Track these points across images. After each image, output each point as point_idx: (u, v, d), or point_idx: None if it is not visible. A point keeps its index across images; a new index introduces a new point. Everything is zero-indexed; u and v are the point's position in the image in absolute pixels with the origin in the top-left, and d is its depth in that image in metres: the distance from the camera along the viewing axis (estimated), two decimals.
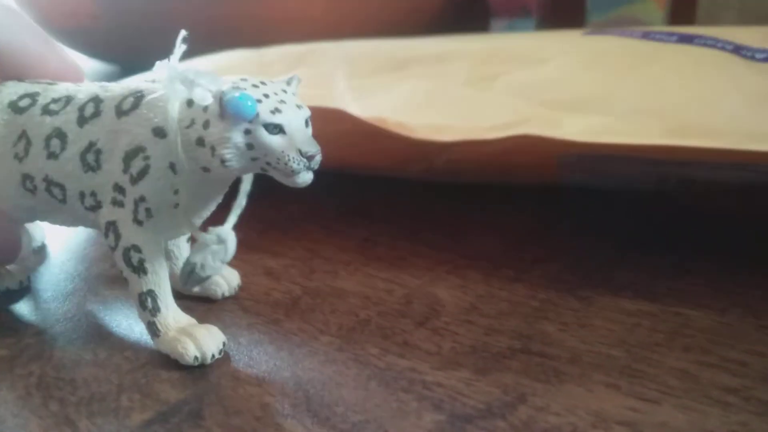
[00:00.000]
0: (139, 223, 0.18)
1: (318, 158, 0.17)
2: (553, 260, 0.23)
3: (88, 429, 0.16)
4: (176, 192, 0.18)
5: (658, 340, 0.19)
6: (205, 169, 0.17)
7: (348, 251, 0.25)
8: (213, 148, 0.17)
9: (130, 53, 0.49)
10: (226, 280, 0.22)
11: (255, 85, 0.17)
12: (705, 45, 0.24)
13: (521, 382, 0.17)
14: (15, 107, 0.20)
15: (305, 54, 0.30)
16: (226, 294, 0.22)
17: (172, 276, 0.21)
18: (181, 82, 0.17)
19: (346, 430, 0.16)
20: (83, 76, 0.22)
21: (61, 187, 0.19)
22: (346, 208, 0.29)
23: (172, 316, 0.19)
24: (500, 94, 0.24)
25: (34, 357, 0.19)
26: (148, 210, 0.18)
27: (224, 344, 0.19)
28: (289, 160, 0.17)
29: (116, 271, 0.24)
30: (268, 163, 0.17)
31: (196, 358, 0.18)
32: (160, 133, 0.18)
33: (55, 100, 0.19)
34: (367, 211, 0.28)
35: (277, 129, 0.17)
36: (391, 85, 0.26)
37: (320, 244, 0.25)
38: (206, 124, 0.17)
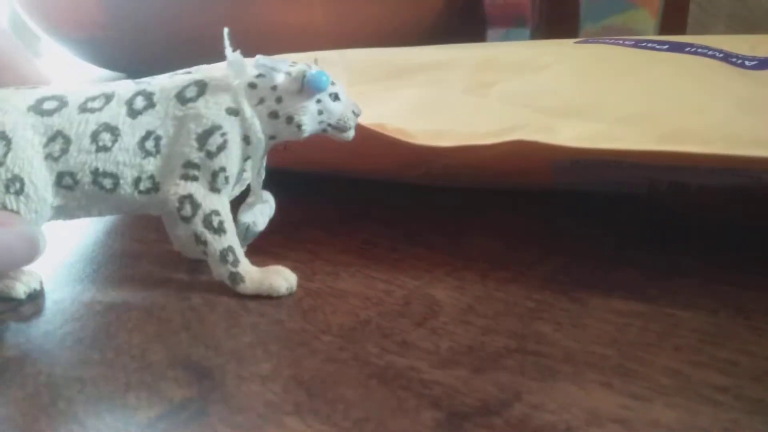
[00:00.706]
0: (217, 191, 0.21)
1: (359, 117, 0.22)
2: (548, 262, 0.24)
3: (95, 427, 0.16)
4: (246, 159, 0.22)
5: (650, 339, 0.19)
6: (272, 138, 0.21)
7: (348, 253, 0.25)
8: (290, 118, 0.21)
9: (138, 62, 0.49)
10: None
11: (308, 64, 0.21)
12: (696, 53, 0.25)
13: (517, 380, 0.18)
14: (39, 110, 0.21)
15: (307, 62, 0.30)
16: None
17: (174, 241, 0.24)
18: (258, 67, 0.21)
19: (346, 427, 0.16)
20: (51, 81, 0.23)
21: (113, 177, 0.21)
22: (347, 212, 0.29)
23: (247, 264, 0.22)
24: (496, 101, 0.25)
25: (43, 356, 0.19)
26: (227, 178, 0.21)
27: (295, 279, 0.22)
28: (347, 119, 0.22)
29: (123, 272, 0.24)
30: (329, 125, 0.22)
31: (288, 288, 0.22)
32: (233, 112, 0.21)
33: (92, 99, 0.21)
34: (367, 214, 0.29)
35: (336, 97, 0.21)
36: (391, 93, 0.27)
37: (321, 247, 0.26)
38: (279, 99, 0.21)
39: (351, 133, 0.22)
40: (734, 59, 0.24)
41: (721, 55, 0.24)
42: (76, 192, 0.21)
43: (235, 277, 0.22)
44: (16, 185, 0.20)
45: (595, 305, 0.21)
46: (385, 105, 0.26)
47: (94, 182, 0.21)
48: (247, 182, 0.23)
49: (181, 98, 0.21)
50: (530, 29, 0.46)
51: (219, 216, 0.21)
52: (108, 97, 0.21)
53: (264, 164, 0.23)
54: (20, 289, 0.22)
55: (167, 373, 0.18)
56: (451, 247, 0.25)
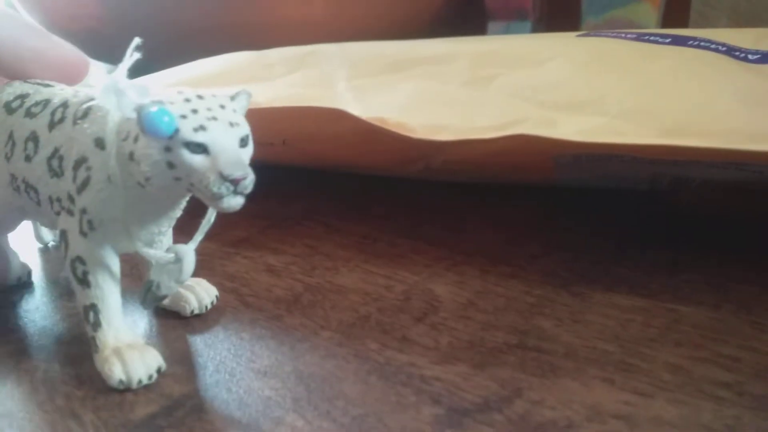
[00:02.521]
0: (83, 234, 0.18)
1: (247, 182, 0.15)
2: (549, 256, 0.24)
3: (93, 423, 0.16)
4: (116, 205, 0.17)
5: (651, 335, 0.19)
6: (140, 185, 0.16)
7: (348, 248, 0.25)
8: (138, 164, 0.16)
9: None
10: (197, 297, 0.21)
11: (187, 99, 0.16)
12: (698, 47, 0.24)
13: (517, 376, 0.18)
14: (8, 107, 0.20)
15: (306, 55, 0.30)
16: (195, 312, 0.21)
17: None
18: (113, 92, 0.16)
19: (346, 423, 0.16)
20: (86, 66, 0.22)
21: (35, 191, 0.19)
22: (346, 206, 0.29)
23: (113, 333, 0.18)
24: (497, 95, 0.24)
25: (40, 352, 0.19)
26: (90, 222, 0.17)
27: (159, 369, 0.18)
28: (209, 183, 0.15)
29: (121, 268, 0.24)
30: (191, 184, 0.16)
31: (120, 381, 0.17)
32: (100, 144, 0.17)
33: (36, 103, 0.19)
34: (367, 209, 0.29)
35: (199, 148, 0.15)
36: (391, 86, 0.26)
37: (321, 242, 0.26)
38: (136, 138, 0.16)
39: (224, 204, 0.15)
40: (737, 53, 0.24)
41: (724, 49, 0.24)
42: (21, 197, 0.20)
43: (92, 343, 0.18)
44: None
45: (597, 300, 0.21)
46: (385, 99, 0.26)
47: (26, 191, 0.19)
48: (156, 235, 0.19)
49: (74, 117, 0.18)
50: (531, 22, 0.46)
51: (83, 265, 0.18)
52: (46, 103, 0.19)
53: (211, 217, 0.18)
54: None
55: (165, 369, 0.18)
56: (451, 242, 0.25)
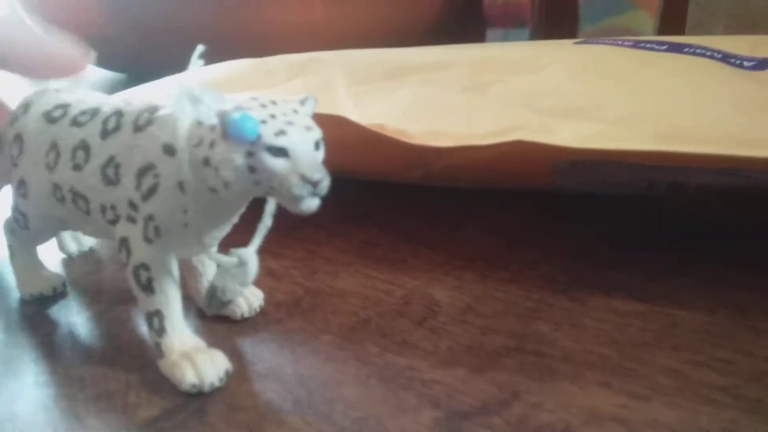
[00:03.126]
0: (148, 241, 0.18)
1: (325, 184, 0.16)
2: (547, 261, 0.24)
3: (96, 425, 0.17)
4: (185, 211, 0.17)
5: (648, 339, 0.19)
6: (213, 190, 0.17)
7: (348, 253, 0.25)
8: (217, 169, 0.16)
9: (138, 62, 0.50)
10: (247, 300, 0.21)
11: (263, 105, 0.16)
12: (694, 54, 0.25)
13: (516, 380, 0.18)
14: (48, 117, 0.20)
15: (307, 63, 0.30)
16: (246, 315, 0.21)
17: (196, 294, 0.21)
18: (188, 99, 0.16)
19: (346, 426, 0.16)
20: (86, 59, 0.22)
21: (85, 199, 0.19)
22: (347, 211, 0.29)
23: (178, 338, 0.18)
24: (496, 102, 0.25)
25: (44, 355, 0.19)
26: (156, 228, 0.18)
27: (227, 372, 0.18)
28: (291, 185, 0.16)
29: (125, 272, 0.24)
30: (272, 187, 0.16)
31: (193, 385, 0.18)
32: (169, 150, 0.17)
33: (83, 112, 0.19)
34: (367, 214, 0.29)
35: (280, 152, 0.16)
36: (391, 93, 0.27)
37: (321, 246, 0.26)
38: (212, 144, 0.16)
39: (303, 206, 0.16)
40: (733, 60, 0.24)
41: (719, 56, 0.25)
42: (66, 207, 0.20)
43: (157, 348, 0.18)
44: (22, 189, 0.20)
45: (594, 305, 0.21)
46: (384, 105, 0.26)
47: (73, 201, 0.19)
48: (217, 240, 0.19)
49: (135, 125, 0.18)
50: (529, 30, 0.46)
51: (148, 272, 0.18)
52: (94, 112, 0.19)
53: (267, 221, 0.19)
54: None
55: (233, 372, 0.18)
56: (450, 247, 0.26)
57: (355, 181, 0.31)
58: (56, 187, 0.19)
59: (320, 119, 0.25)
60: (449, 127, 0.24)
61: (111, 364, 0.19)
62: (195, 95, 0.16)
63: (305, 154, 0.16)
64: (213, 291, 0.19)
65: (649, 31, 0.43)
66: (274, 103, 0.16)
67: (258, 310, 0.21)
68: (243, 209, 0.19)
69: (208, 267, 0.21)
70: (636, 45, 0.26)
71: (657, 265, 0.23)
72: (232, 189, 0.16)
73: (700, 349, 0.19)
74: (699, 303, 0.21)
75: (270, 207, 0.19)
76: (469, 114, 0.25)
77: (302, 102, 0.17)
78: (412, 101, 0.26)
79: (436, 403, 0.17)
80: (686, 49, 0.25)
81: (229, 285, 0.18)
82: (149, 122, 0.18)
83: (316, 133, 0.16)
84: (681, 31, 0.43)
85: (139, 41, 0.46)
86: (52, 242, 0.25)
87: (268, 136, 0.16)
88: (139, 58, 0.49)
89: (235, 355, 0.19)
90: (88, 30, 0.47)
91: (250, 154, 0.16)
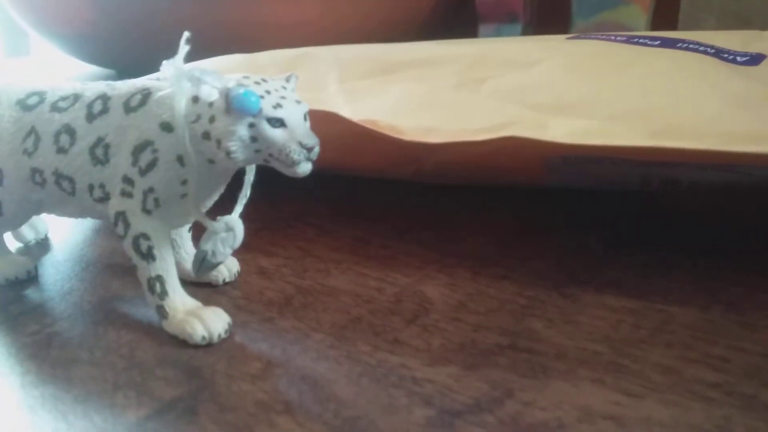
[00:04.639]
0: (147, 212, 0.19)
1: (317, 149, 0.18)
2: (540, 258, 0.24)
3: (83, 426, 0.16)
4: (184, 183, 0.19)
5: (641, 336, 0.19)
6: (211, 161, 0.18)
7: (340, 250, 0.25)
8: (219, 141, 0.18)
9: (127, 59, 0.49)
10: (226, 266, 0.23)
11: (257, 82, 0.18)
12: (687, 49, 0.25)
13: (509, 377, 0.18)
14: (24, 105, 0.21)
15: (297, 58, 0.30)
16: (227, 279, 0.23)
17: (177, 264, 0.22)
18: (188, 79, 0.18)
19: (337, 425, 0.16)
20: None
21: (71, 180, 0.20)
22: (338, 208, 0.29)
23: (180, 299, 0.20)
24: (488, 98, 0.24)
25: (31, 355, 0.19)
26: (156, 200, 0.19)
27: (230, 324, 0.20)
28: (290, 151, 0.18)
29: (112, 271, 0.24)
30: (270, 155, 0.18)
31: (203, 337, 0.19)
32: (167, 127, 0.19)
33: (63, 98, 0.21)
34: (359, 211, 0.29)
35: (278, 123, 0.18)
36: (382, 89, 0.26)
37: (313, 244, 0.26)
38: (212, 119, 0.18)
39: (300, 169, 0.18)
40: (726, 55, 0.24)
41: (712, 51, 0.24)
42: (46, 190, 0.21)
43: (160, 311, 0.20)
44: None
45: (587, 302, 0.21)
46: (376, 101, 0.26)
47: (57, 183, 0.21)
48: (207, 208, 0.21)
49: (126, 106, 0.20)
50: (522, 25, 0.46)
51: (148, 240, 0.19)
52: (76, 98, 0.21)
53: (247, 190, 0.21)
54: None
55: (156, 372, 0.18)
56: (442, 244, 0.25)
57: (347, 177, 0.31)
58: (36, 172, 0.21)
59: (312, 115, 0.25)
60: (441, 123, 0.24)
61: (99, 364, 0.19)
62: (195, 75, 0.18)
63: (299, 124, 0.18)
64: (203, 254, 0.20)
65: (642, 26, 0.43)
66: (265, 81, 0.18)
67: (236, 275, 0.23)
68: (230, 178, 0.20)
69: (186, 239, 0.23)
70: (629, 40, 0.26)
71: (650, 262, 0.23)
72: (235, 158, 0.18)
73: (694, 346, 0.19)
74: (692, 299, 0.21)
75: (249, 177, 0.21)
76: (462, 110, 0.24)
77: (287, 79, 0.19)
78: (405, 97, 0.26)
79: (428, 402, 0.17)
80: (679, 45, 0.25)
81: (218, 248, 0.20)
82: (143, 103, 0.19)
83: (305, 105, 0.19)
84: (673, 27, 0.43)
85: (129, 38, 0.46)
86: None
87: (268, 109, 0.18)
88: (129, 54, 0.48)
89: (225, 354, 0.19)
90: (78, 27, 0.47)
91: (252, 126, 0.18)
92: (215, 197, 0.21)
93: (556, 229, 0.26)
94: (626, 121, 0.22)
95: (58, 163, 0.20)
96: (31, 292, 0.23)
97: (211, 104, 0.18)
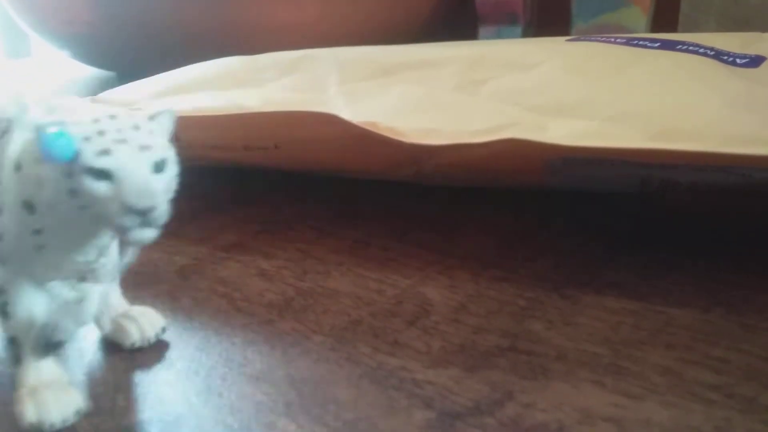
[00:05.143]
0: (2, 262, 0.16)
1: (158, 214, 0.14)
2: (541, 259, 0.24)
3: (84, 428, 0.16)
4: (38, 232, 0.15)
5: (641, 337, 0.19)
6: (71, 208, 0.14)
7: (340, 252, 0.25)
8: (43, 189, 0.14)
9: (127, 60, 0.49)
10: (139, 326, 0.19)
11: (96, 120, 0.14)
12: (687, 51, 0.25)
13: (509, 379, 0.18)
14: None
15: (298, 60, 0.30)
16: (138, 344, 0.19)
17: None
18: (17, 107, 0.15)
19: (338, 427, 0.16)
20: None
21: None
22: (338, 210, 0.29)
23: (34, 370, 0.17)
24: (488, 99, 0.24)
25: None
26: (2, 251, 0.16)
27: (78, 412, 0.16)
28: (112, 214, 0.14)
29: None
30: (98, 216, 0.14)
31: (31, 424, 0.16)
32: (17, 166, 0.15)
33: None
34: (359, 213, 0.29)
35: (103, 175, 0.14)
36: (382, 90, 0.26)
37: (313, 246, 0.26)
38: (37, 160, 0.14)
39: (133, 237, 0.14)
40: (725, 57, 0.24)
41: (712, 53, 0.25)
42: None
43: (14, 378, 0.17)
44: None
45: (588, 303, 0.21)
46: (376, 103, 0.26)
47: None
48: (91, 256, 0.16)
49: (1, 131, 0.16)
50: (522, 27, 0.46)
51: (3, 295, 0.16)
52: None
53: (125, 257, 0.17)
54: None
55: (157, 375, 0.18)
56: (443, 245, 0.25)
57: (347, 179, 0.31)
58: None
59: (311, 117, 0.25)
60: (441, 125, 0.24)
61: (99, 366, 0.19)
62: (22, 103, 0.14)
63: (132, 178, 0.14)
64: (42, 329, 0.16)
65: (642, 28, 0.43)
66: (112, 117, 0.14)
67: (153, 340, 0.19)
68: (109, 233, 0.16)
69: (114, 297, 0.19)
70: (628, 42, 0.26)
71: (650, 263, 0.23)
72: (57, 212, 0.14)
73: (694, 348, 0.19)
74: (693, 301, 0.21)
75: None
76: (462, 112, 0.24)
77: (152, 117, 0.15)
78: (404, 99, 0.26)
79: (428, 404, 0.17)
80: (679, 47, 0.25)
81: (61, 323, 0.16)
82: (6, 131, 0.16)
83: (157, 152, 0.14)
84: (673, 29, 0.43)
85: (129, 40, 0.46)
86: None
87: (89, 156, 0.14)
88: (129, 56, 0.48)
89: (224, 356, 0.19)
90: (76, 28, 0.47)
91: (68, 176, 0.14)
92: (90, 254, 0.16)
93: (555, 231, 0.26)
94: (626, 122, 0.22)
95: None
96: None
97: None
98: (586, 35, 0.29)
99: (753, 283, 0.22)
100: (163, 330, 0.20)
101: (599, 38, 0.28)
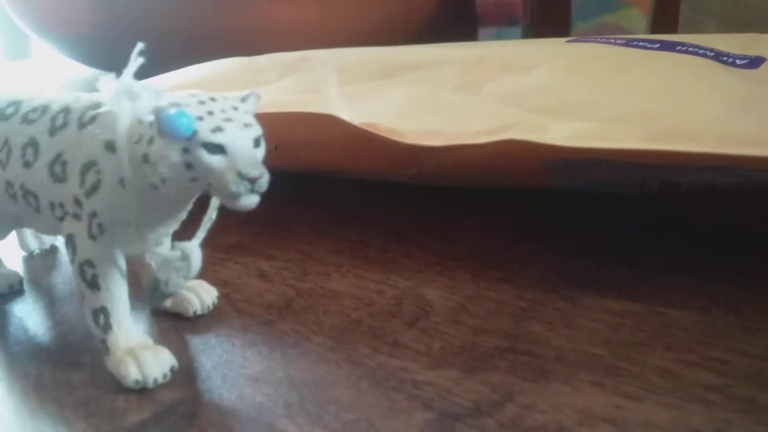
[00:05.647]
0: (92, 237, 0.18)
1: (263, 181, 0.16)
2: (540, 261, 0.24)
3: (84, 430, 0.16)
4: (127, 208, 0.17)
5: (641, 339, 0.19)
6: (154, 186, 0.17)
7: (340, 253, 0.25)
8: (155, 166, 0.16)
9: (127, 61, 0.49)
10: (199, 297, 0.21)
11: (201, 102, 0.16)
12: (687, 52, 0.25)
13: (509, 380, 0.18)
14: (2, 115, 0.20)
15: (298, 61, 0.30)
16: (198, 312, 0.21)
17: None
18: (126, 96, 0.16)
19: (338, 428, 0.16)
20: None
21: (35, 196, 0.19)
22: (338, 212, 0.29)
23: (124, 335, 0.18)
24: (488, 100, 0.24)
25: (31, 359, 0.19)
26: (100, 225, 0.18)
27: (172, 368, 0.18)
28: (228, 182, 0.16)
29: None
30: (209, 184, 0.16)
31: (137, 381, 0.18)
32: (111, 147, 0.17)
33: (34, 109, 0.19)
34: (359, 214, 0.29)
35: (217, 149, 0.16)
36: (382, 91, 0.27)
37: (313, 247, 0.26)
38: (150, 141, 0.16)
39: (242, 202, 0.16)
40: (725, 58, 0.24)
41: (712, 54, 0.25)
42: (18, 204, 0.20)
43: (103, 345, 0.18)
44: None
45: (587, 304, 0.21)
46: (376, 104, 0.26)
47: (24, 198, 0.19)
48: (165, 237, 0.19)
49: (80, 122, 0.18)
50: (522, 28, 0.46)
51: (93, 268, 0.18)
52: (44, 109, 0.19)
53: (212, 213, 0.19)
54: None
55: (178, 368, 0.18)
56: (442, 247, 0.25)
57: (347, 181, 0.31)
58: (8, 185, 0.19)
59: (312, 118, 0.25)
60: (441, 126, 0.24)
61: (99, 368, 0.19)
62: (133, 91, 0.16)
63: (242, 151, 0.16)
64: (156, 283, 0.18)
65: (641, 29, 0.43)
66: (213, 99, 0.16)
67: (211, 307, 0.21)
68: (189, 206, 0.18)
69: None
70: (628, 43, 0.26)
71: (650, 265, 0.23)
72: (170, 186, 0.16)
73: (694, 349, 0.19)
74: (692, 302, 0.21)
75: (215, 200, 0.19)
76: (462, 113, 0.24)
77: (243, 99, 0.17)
78: (405, 100, 0.26)
79: (428, 405, 0.17)
80: (679, 48, 0.25)
81: (172, 278, 0.18)
82: (93, 119, 0.18)
83: (255, 130, 0.16)
84: (673, 30, 0.43)
85: (129, 40, 0.46)
86: (13, 240, 0.25)
87: (205, 133, 0.16)
88: (129, 57, 0.48)
89: (224, 357, 0.19)
90: (76, 28, 0.47)
91: (186, 151, 0.16)
92: (171, 226, 0.19)
93: (555, 232, 0.26)
94: (626, 123, 0.22)
95: (24, 178, 0.19)
96: (31, 296, 0.23)
97: (152, 124, 0.16)
98: (586, 36, 0.29)
99: (752, 284, 0.22)
100: (217, 299, 0.22)
101: (599, 39, 0.28)
